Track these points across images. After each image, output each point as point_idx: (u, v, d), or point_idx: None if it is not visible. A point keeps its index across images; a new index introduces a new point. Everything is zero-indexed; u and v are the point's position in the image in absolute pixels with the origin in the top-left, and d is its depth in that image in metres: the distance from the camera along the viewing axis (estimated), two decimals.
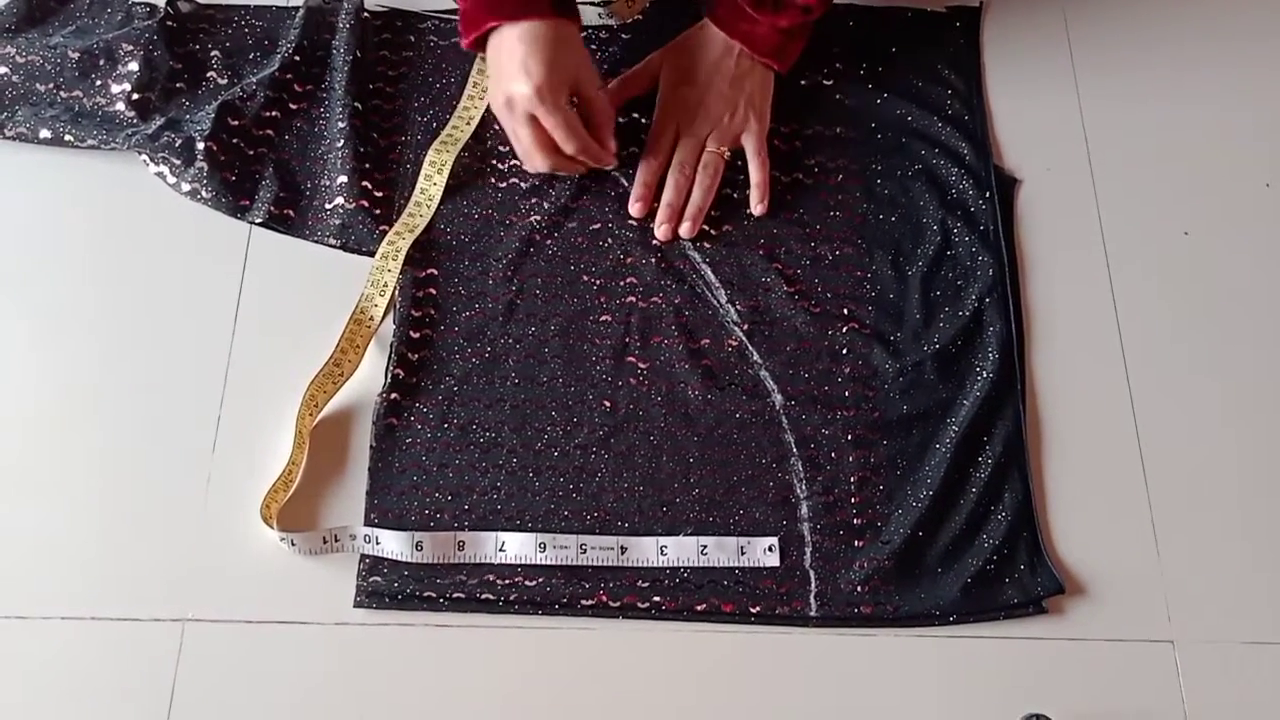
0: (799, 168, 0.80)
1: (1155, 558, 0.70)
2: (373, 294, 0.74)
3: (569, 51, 0.71)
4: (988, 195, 0.80)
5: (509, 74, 0.70)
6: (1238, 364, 0.76)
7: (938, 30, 0.87)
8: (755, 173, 0.78)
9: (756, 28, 0.77)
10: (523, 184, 0.78)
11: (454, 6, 0.74)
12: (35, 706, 0.63)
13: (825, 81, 0.83)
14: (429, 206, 0.76)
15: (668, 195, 0.77)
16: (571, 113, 0.71)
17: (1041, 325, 0.76)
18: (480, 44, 0.72)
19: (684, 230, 0.77)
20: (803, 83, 0.83)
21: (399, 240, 0.75)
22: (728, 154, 0.78)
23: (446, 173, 0.77)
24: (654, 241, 0.77)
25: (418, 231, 0.75)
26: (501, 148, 0.79)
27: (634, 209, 0.77)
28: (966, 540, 0.69)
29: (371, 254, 0.75)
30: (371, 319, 0.73)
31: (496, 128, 0.78)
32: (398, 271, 0.74)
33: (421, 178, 0.77)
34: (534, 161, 0.75)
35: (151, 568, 0.66)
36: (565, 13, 0.71)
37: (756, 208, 0.78)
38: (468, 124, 0.79)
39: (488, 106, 0.77)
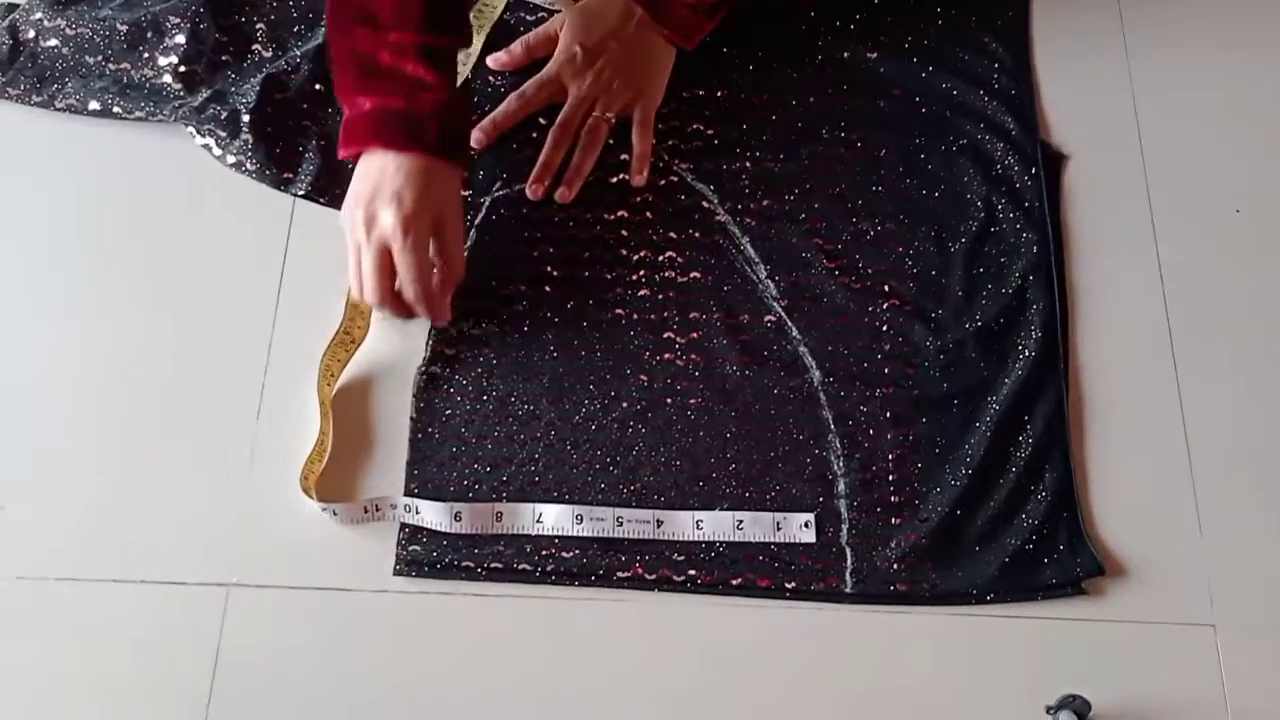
0: (841, 142, 0.79)
1: (1198, 540, 0.69)
2: None
3: (443, 193, 0.67)
4: (1033, 171, 0.78)
5: (379, 195, 0.65)
6: None
7: (986, 2, 0.85)
8: (637, 143, 0.77)
9: None
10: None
11: None
12: (85, 666, 0.65)
13: (869, 54, 0.82)
14: None
15: (546, 153, 0.76)
16: (428, 257, 0.67)
17: (1086, 304, 0.75)
18: (356, 158, 0.68)
19: (560, 194, 0.76)
20: (845, 55, 0.82)
21: None
22: (614, 120, 0.77)
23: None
24: (694, 215, 0.77)
25: None
26: (541, 120, 0.79)
27: (475, 139, 0.77)
28: (1005, 520, 0.69)
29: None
30: None
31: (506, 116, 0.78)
32: None
33: None
34: (365, 290, 0.67)
35: (198, 533, 0.68)
36: (451, 155, 0.67)
37: (635, 178, 0.77)
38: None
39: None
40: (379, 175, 0.66)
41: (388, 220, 0.65)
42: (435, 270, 0.69)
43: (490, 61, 0.80)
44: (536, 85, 0.78)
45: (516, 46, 0.80)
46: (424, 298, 0.67)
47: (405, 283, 0.67)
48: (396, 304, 0.68)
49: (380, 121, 0.66)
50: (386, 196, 0.65)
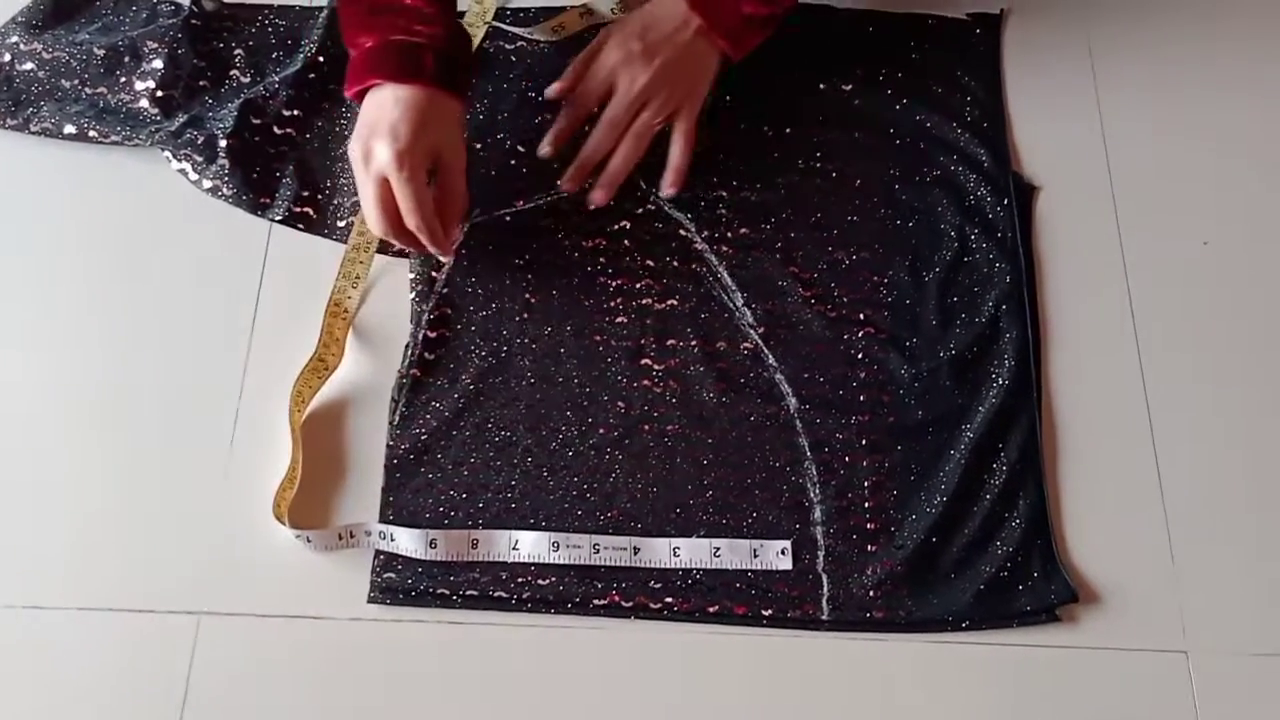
0: (817, 173, 0.80)
1: (1170, 567, 0.70)
2: (345, 285, 0.74)
3: (442, 126, 0.68)
4: (1006, 202, 0.79)
5: (376, 130, 0.67)
6: (1256, 374, 0.76)
7: (958, 37, 0.87)
8: (677, 155, 0.76)
9: (721, 6, 0.75)
10: (539, 183, 0.79)
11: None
12: (51, 697, 0.64)
13: (844, 86, 0.83)
14: None
15: (588, 150, 0.76)
16: (425, 188, 0.68)
17: (1058, 332, 0.76)
18: (362, 97, 0.69)
19: (595, 198, 0.76)
20: (821, 87, 0.83)
21: (368, 230, 0.74)
22: (659, 128, 0.76)
23: None
24: (672, 243, 0.77)
25: None
26: (520, 148, 0.79)
27: (543, 151, 0.77)
28: (980, 547, 0.69)
29: (385, 253, 0.76)
30: (346, 310, 0.73)
31: (498, 137, 0.78)
32: (370, 263, 0.75)
33: None
34: (371, 222, 0.69)
35: (168, 561, 0.67)
36: (450, 87, 0.69)
37: (666, 189, 0.77)
38: None
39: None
40: (378, 110, 0.67)
41: (383, 154, 0.66)
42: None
43: (549, 93, 0.78)
44: (593, 82, 0.76)
45: (569, 72, 0.78)
46: (424, 229, 0.68)
47: (405, 213, 0.67)
48: (402, 236, 0.69)
49: (379, 56, 0.67)
50: (384, 130, 0.66)
